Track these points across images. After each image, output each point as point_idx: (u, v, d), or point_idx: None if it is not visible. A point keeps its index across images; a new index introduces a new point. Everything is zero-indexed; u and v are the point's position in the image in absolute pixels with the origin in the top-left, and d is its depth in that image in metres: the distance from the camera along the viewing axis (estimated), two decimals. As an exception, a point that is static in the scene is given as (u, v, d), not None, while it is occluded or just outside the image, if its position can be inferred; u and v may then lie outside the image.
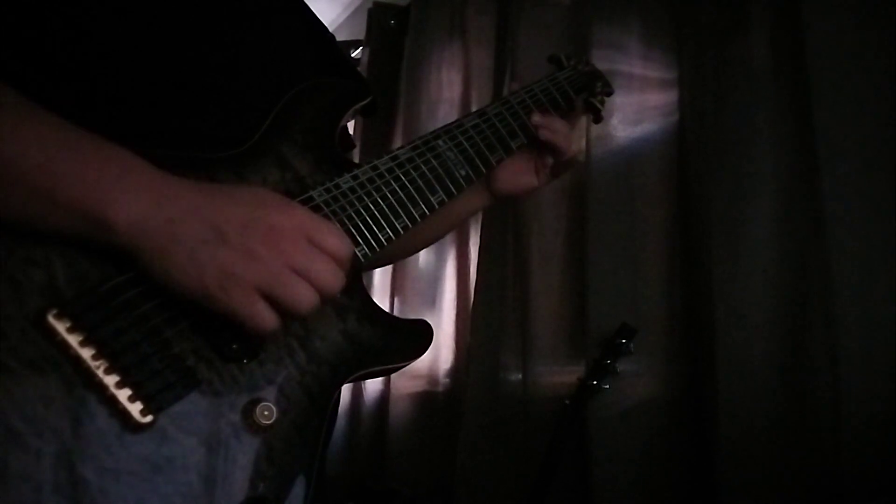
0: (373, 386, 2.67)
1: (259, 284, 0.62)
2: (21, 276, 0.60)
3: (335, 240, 0.68)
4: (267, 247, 0.63)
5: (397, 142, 2.66)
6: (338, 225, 0.76)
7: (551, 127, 1.04)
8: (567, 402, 1.74)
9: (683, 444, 1.74)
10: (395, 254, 1.20)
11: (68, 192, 0.59)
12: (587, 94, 1.14)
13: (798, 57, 1.58)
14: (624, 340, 1.72)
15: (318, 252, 0.66)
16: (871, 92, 1.50)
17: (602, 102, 1.18)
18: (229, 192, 0.67)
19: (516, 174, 1.08)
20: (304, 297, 0.64)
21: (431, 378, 2.48)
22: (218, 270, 0.61)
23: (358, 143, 2.95)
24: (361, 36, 3.08)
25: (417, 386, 2.50)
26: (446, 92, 2.60)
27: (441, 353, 2.45)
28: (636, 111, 1.92)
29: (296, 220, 0.66)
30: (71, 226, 0.60)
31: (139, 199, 0.61)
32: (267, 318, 0.63)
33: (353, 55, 3.07)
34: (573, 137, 1.09)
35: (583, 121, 1.21)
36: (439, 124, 1.04)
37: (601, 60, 1.90)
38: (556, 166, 1.10)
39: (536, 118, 1.03)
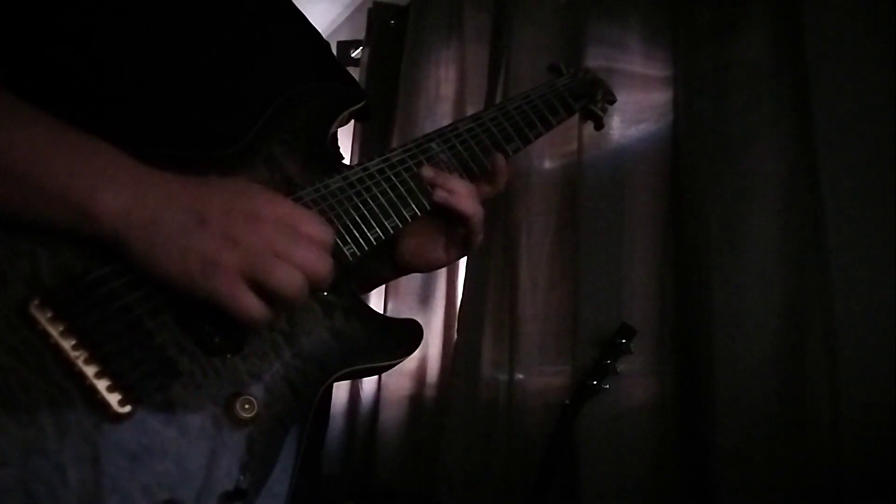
0: (369, 386, 2.68)
1: (243, 270, 0.62)
2: (6, 266, 0.60)
3: (315, 226, 0.67)
4: (249, 233, 0.63)
5: (395, 140, 2.67)
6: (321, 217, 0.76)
7: (447, 186, 0.87)
8: (567, 402, 1.73)
9: (679, 446, 1.73)
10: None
11: (54, 183, 0.60)
12: (587, 101, 1.12)
13: (798, 57, 1.57)
14: (624, 340, 1.71)
15: (300, 237, 0.65)
16: (871, 92, 1.49)
17: (603, 110, 1.16)
18: (210, 182, 0.67)
19: (422, 246, 0.94)
20: (291, 280, 0.64)
21: (421, 378, 2.48)
22: (200, 257, 0.61)
23: (356, 142, 2.96)
24: (361, 36, 3.09)
25: (408, 387, 2.50)
26: (444, 90, 2.61)
27: (430, 353, 2.45)
28: (631, 111, 1.91)
29: (276, 208, 0.66)
30: (56, 217, 0.61)
31: (123, 191, 0.61)
32: (252, 305, 0.63)
33: (353, 55, 3.08)
34: (478, 202, 0.89)
35: (575, 120, 1.18)
36: (437, 123, 1.03)
37: (597, 58, 1.90)
38: (467, 237, 0.91)
39: (429, 173, 0.87)
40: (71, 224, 0.61)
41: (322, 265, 0.66)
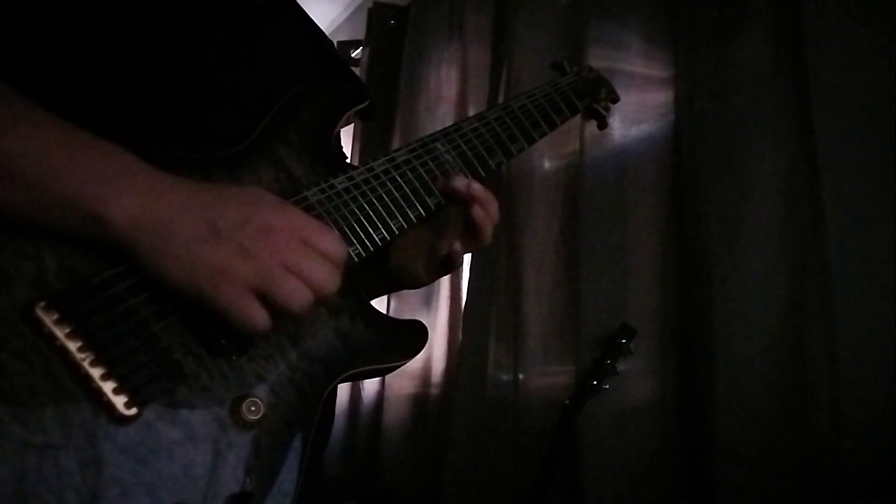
0: (370, 387, 2.68)
1: (251, 282, 0.62)
2: (12, 269, 0.60)
3: (330, 241, 0.68)
4: (261, 245, 0.63)
5: (396, 140, 2.67)
6: (332, 226, 0.76)
7: (487, 206, 0.87)
8: (567, 402, 1.73)
9: (679, 446, 1.74)
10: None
11: (65, 188, 0.60)
12: (590, 99, 1.12)
13: (798, 57, 1.57)
14: (624, 340, 1.71)
15: (312, 252, 0.66)
16: (871, 92, 1.49)
17: (607, 109, 1.16)
18: (224, 190, 0.67)
19: (408, 262, 0.93)
20: (297, 294, 0.64)
21: (425, 379, 2.48)
22: (210, 267, 0.62)
23: (357, 142, 2.96)
24: (361, 36, 3.09)
25: (412, 387, 2.50)
26: (445, 90, 2.61)
27: (435, 354, 2.46)
28: (633, 111, 1.91)
29: (290, 221, 0.66)
30: (66, 222, 0.61)
31: (135, 197, 0.61)
32: (257, 316, 0.63)
33: (353, 55, 3.08)
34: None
35: (576, 121, 1.18)
36: (438, 123, 1.02)
37: (598, 58, 1.90)
38: (456, 254, 0.90)
39: (466, 188, 0.86)
40: (80, 228, 0.61)
41: (331, 280, 0.66)
